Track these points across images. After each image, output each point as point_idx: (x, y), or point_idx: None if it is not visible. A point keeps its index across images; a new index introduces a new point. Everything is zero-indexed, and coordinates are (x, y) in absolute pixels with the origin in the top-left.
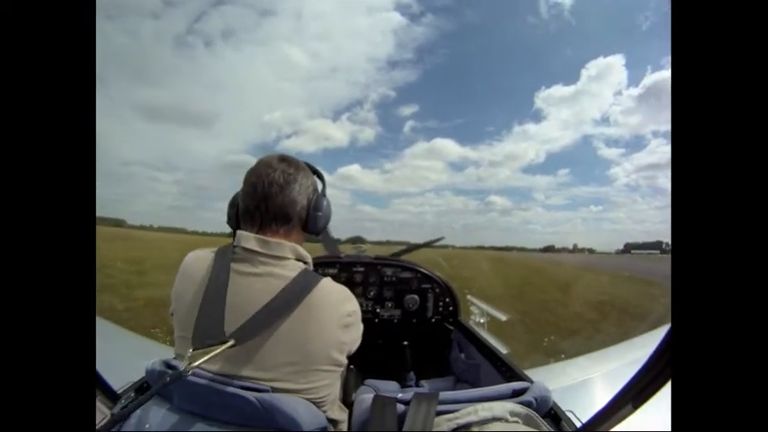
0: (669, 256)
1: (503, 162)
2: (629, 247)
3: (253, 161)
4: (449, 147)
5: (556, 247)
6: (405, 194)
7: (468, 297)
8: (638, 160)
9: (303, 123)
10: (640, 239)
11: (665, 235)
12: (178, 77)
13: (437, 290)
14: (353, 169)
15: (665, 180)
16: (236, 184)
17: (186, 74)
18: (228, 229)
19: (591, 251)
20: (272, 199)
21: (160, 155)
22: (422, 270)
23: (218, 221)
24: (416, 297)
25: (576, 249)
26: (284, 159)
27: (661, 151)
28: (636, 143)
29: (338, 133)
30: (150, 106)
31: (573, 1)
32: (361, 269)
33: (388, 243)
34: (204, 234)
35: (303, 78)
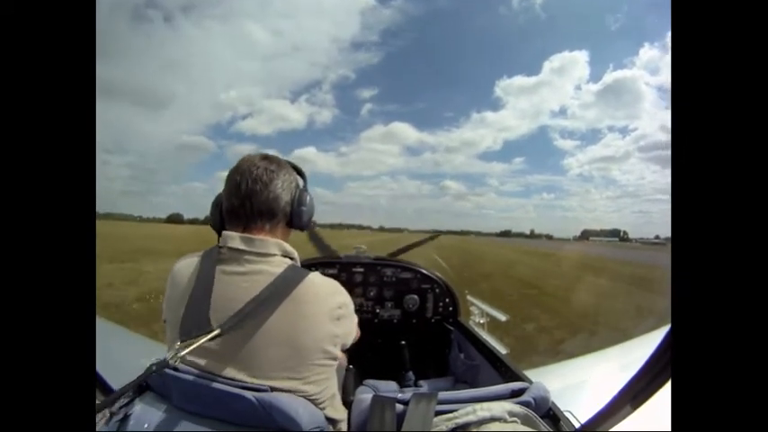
0: (628, 243)
1: (459, 148)
2: (586, 234)
3: (207, 143)
4: (406, 131)
5: (512, 231)
6: (360, 178)
7: (468, 297)
8: (592, 152)
9: (260, 103)
10: (592, 226)
11: (616, 223)
12: (133, 53)
13: (437, 290)
14: (309, 152)
15: (617, 172)
16: (188, 167)
17: (142, 50)
18: (164, 214)
19: (549, 237)
20: (257, 196)
21: (111, 136)
22: (422, 270)
23: (169, 206)
24: (416, 297)
25: (533, 235)
26: (266, 158)
27: (615, 145)
28: (591, 136)
29: (296, 114)
30: (101, 83)
31: None
32: (361, 269)
33: (340, 226)
34: (146, 220)
35: (263, 57)
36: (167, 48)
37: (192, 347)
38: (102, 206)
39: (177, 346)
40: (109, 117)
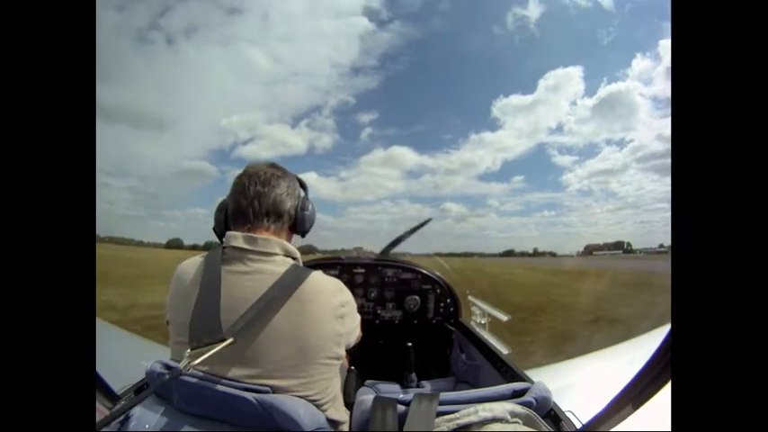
0: (633, 255)
1: (459, 170)
2: (589, 249)
3: (209, 168)
4: (406, 155)
5: (515, 251)
6: (361, 203)
7: (469, 298)
8: (590, 167)
9: (261, 129)
10: (594, 241)
11: (618, 235)
12: (135, 76)
13: (438, 291)
14: (310, 177)
15: (617, 184)
16: (191, 192)
17: (144, 72)
18: (165, 239)
19: (552, 254)
20: (264, 197)
21: (112, 159)
22: (423, 271)
23: (171, 231)
24: (417, 298)
25: (536, 253)
26: (272, 165)
27: (613, 157)
28: (589, 151)
29: (296, 140)
30: (103, 105)
31: (540, 14)
32: (362, 270)
33: (342, 251)
34: (146, 245)
35: (264, 82)
36: (169, 71)
37: (204, 357)
38: (103, 230)
39: (188, 354)
40: (109, 139)
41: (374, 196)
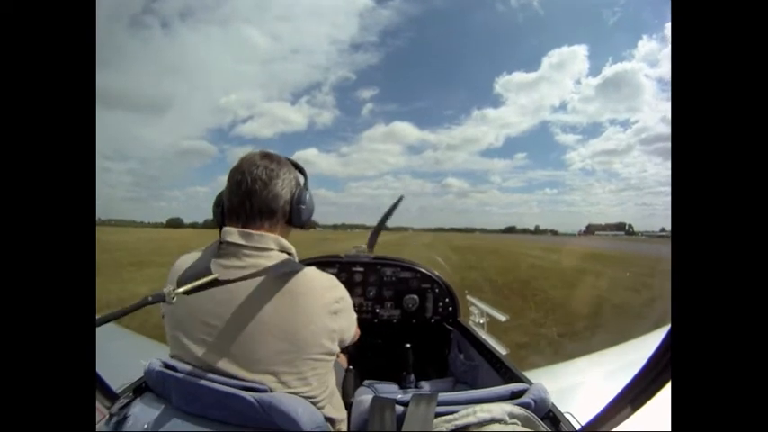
0: (634, 237)
1: (461, 145)
2: (591, 229)
3: (209, 147)
4: (407, 130)
5: (517, 227)
6: (362, 178)
7: (468, 297)
8: (593, 146)
9: (260, 106)
10: (596, 221)
11: (619, 216)
12: (131, 60)
13: (437, 290)
14: (311, 153)
15: (620, 165)
16: (191, 172)
17: (140, 56)
18: (166, 218)
19: (554, 232)
20: (256, 195)
21: (111, 143)
22: (422, 270)
23: (171, 210)
24: (416, 297)
25: (537, 230)
26: (266, 156)
27: (617, 138)
28: (592, 130)
29: (296, 116)
30: (101, 91)
31: None
32: (361, 269)
33: (342, 226)
34: (147, 225)
35: (262, 60)
36: (166, 54)
37: (190, 286)
38: (104, 213)
39: (173, 289)
40: (108, 124)
41: (375, 171)
